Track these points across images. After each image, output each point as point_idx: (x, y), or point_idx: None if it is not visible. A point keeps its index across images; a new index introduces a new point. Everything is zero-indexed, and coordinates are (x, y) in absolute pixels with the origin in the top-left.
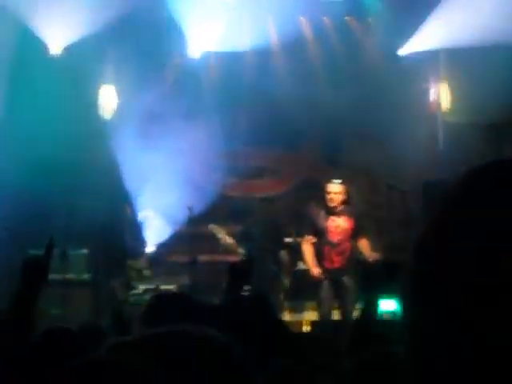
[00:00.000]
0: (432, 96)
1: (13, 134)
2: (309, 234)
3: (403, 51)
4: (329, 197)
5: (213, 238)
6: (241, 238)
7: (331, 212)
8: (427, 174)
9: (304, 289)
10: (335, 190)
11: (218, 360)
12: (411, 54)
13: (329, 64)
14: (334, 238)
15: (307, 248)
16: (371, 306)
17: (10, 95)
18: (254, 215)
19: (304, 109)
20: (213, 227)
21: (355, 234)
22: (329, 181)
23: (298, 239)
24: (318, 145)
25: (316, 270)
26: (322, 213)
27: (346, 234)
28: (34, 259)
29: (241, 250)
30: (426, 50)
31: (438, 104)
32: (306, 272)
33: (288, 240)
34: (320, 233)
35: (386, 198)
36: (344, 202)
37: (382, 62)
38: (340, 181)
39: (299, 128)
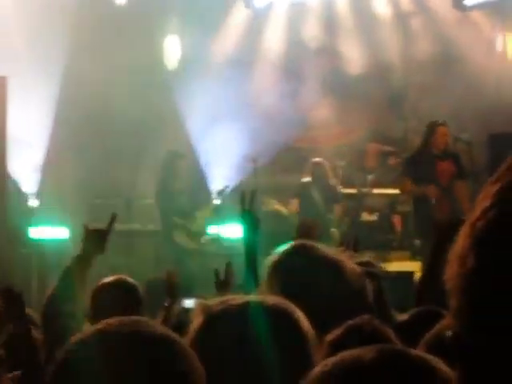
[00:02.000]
0: (498, 47)
1: (77, 83)
2: None
3: (470, 1)
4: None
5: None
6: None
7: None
8: (494, 125)
9: None
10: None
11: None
12: (478, 3)
13: (396, 17)
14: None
15: None
16: None
17: (76, 45)
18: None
19: (370, 60)
20: (266, 201)
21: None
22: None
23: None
24: (384, 97)
25: None
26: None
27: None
28: (96, 232)
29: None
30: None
31: (505, 54)
32: None
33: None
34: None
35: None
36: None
37: (449, 13)
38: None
39: (365, 79)
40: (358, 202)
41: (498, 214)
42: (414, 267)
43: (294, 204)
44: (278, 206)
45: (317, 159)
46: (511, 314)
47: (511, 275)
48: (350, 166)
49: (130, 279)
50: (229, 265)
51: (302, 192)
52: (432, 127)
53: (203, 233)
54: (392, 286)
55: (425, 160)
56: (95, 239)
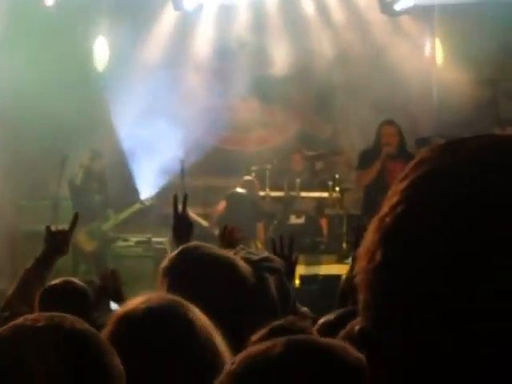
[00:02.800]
0: (427, 52)
1: (6, 84)
2: None
3: (399, 6)
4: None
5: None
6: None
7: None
8: (420, 129)
9: None
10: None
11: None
12: (407, 8)
13: (324, 19)
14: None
15: None
16: None
17: (6, 47)
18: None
19: (297, 64)
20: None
21: None
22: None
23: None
24: (310, 99)
25: None
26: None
27: None
28: (58, 233)
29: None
30: (421, 4)
31: (433, 60)
32: None
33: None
34: None
35: None
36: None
37: (378, 18)
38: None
39: (292, 80)
40: (285, 205)
41: (404, 209)
42: (342, 270)
43: (221, 204)
44: (194, 216)
45: (247, 177)
46: (414, 309)
47: (416, 271)
48: (277, 169)
49: (78, 282)
50: (113, 272)
51: (232, 197)
52: (378, 127)
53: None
54: (320, 289)
55: (375, 159)
56: (57, 240)
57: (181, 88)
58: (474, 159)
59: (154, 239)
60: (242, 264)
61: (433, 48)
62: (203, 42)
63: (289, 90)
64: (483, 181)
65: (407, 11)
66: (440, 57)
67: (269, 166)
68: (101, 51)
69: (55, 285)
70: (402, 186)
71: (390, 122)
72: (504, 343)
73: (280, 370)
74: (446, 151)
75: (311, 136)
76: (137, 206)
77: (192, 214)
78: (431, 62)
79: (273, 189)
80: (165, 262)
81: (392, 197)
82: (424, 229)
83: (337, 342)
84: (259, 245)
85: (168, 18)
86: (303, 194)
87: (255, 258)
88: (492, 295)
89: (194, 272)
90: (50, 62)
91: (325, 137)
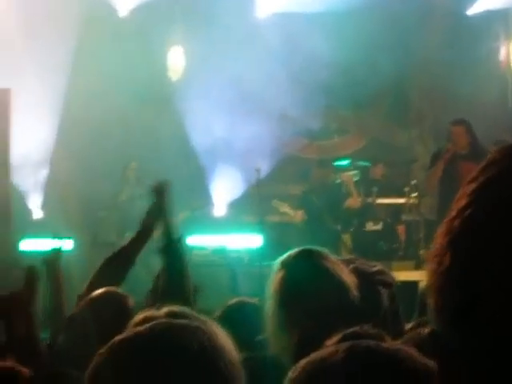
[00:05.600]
0: (502, 55)
1: (81, 96)
2: None
3: (472, 10)
4: None
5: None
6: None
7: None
8: (498, 133)
9: None
10: None
11: None
12: (481, 12)
13: (398, 26)
14: None
15: None
16: None
17: (79, 56)
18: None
19: (372, 69)
20: (276, 203)
21: None
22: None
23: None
24: (386, 104)
25: None
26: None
27: None
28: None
29: (303, 217)
30: (496, 8)
31: (509, 63)
32: None
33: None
34: None
35: None
36: None
37: (451, 22)
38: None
39: (367, 88)
40: (362, 212)
41: (472, 212)
42: (419, 277)
43: (299, 213)
44: (288, 210)
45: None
46: (486, 312)
47: (486, 274)
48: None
49: (119, 291)
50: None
51: (305, 202)
52: (449, 128)
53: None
54: (397, 295)
55: (449, 159)
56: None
57: (257, 96)
58: None
59: (231, 247)
60: (352, 280)
61: (508, 52)
62: (280, 50)
63: (365, 97)
64: None
65: (482, 15)
66: None
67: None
68: (176, 60)
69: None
70: (470, 188)
71: (458, 122)
72: None
73: (340, 375)
74: (510, 155)
75: (387, 143)
76: (185, 214)
77: (287, 208)
78: (507, 66)
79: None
80: (282, 259)
81: (460, 199)
82: (493, 231)
83: (402, 346)
84: (348, 242)
85: (243, 25)
86: (380, 200)
87: (371, 270)
88: None
89: (306, 278)
90: (123, 71)
91: (401, 144)
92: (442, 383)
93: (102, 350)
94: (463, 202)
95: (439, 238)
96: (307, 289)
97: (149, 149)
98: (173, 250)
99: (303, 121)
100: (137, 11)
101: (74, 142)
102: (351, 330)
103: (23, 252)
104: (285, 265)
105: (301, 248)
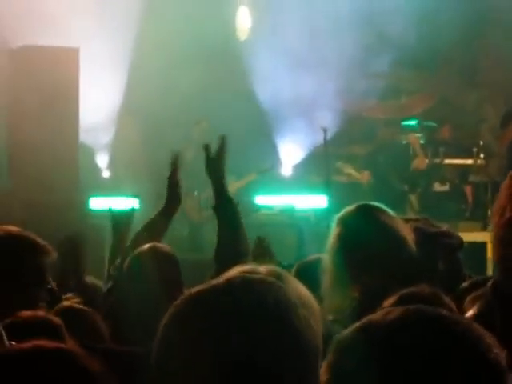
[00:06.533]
0: None
1: (148, 55)
2: None
3: None
4: None
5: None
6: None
7: None
8: None
9: None
10: None
11: None
12: None
13: None
14: None
15: None
16: None
17: (147, 16)
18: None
19: (441, 29)
20: (340, 164)
21: None
22: None
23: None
24: (455, 65)
25: None
26: None
27: None
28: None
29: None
30: None
31: None
32: None
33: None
34: None
35: None
36: None
37: None
38: None
39: (437, 49)
40: (430, 173)
41: None
42: (486, 238)
43: (366, 174)
44: (352, 172)
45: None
46: None
47: None
48: (423, 138)
49: (163, 246)
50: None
51: (372, 162)
52: None
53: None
54: (464, 256)
55: None
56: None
57: (325, 54)
58: None
59: (298, 207)
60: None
61: None
62: (353, 8)
63: (433, 58)
64: None
65: None
66: None
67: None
68: (243, 18)
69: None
70: None
71: None
72: None
73: (391, 337)
74: None
75: (455, 104)
76: (252, 176)
77: (351, 170)
78: None
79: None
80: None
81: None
82: None
83: (462, 317)
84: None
85: None
86: (447, 161)
87: (432, 230)
88: None
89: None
90: (191, 29)
91: (469, 104)
92: (502, 326)
93: (177, 302)
94: None
95: (502, 192)
96: (364, 243)
97: (216, 106)
98: (226, 207)
99: (371, 80)
100: None
101: (142, 101)
102: (408, 290)
103: (92, 210)
104: (342, 220)
105: (358, 203)
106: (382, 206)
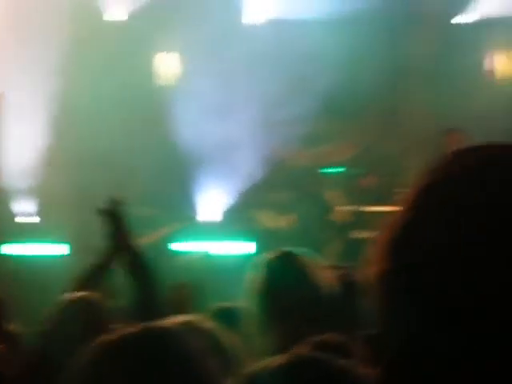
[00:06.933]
0: (489, 64)
1: (71, 97)
2: None
3: (459, 19)
4: None
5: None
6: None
7: None
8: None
9: None
10: None
11: None
12: (466, 23)
13: (385, 34)
14: None
15: None
16: None
17: (70, 62)
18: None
19: (366, 77)
20: (261, 211)
21: None
22: None
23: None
24: (377, 114)
25: None
26: None
27: None
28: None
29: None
30: (480, 19)
31: (494, 73)
32: None
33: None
34: None
35: None
36: None
37: (439, 32)
38: None
39: (361, 97)
40: (353, 220)
41: (411, 217)
42: None
43: (290, 218)
44: (272, 219)
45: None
46: (422, 316)
47: (423, 278)
48: (344, 185)
49: (95, 295)
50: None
51: (296, 209)
52: (442, 135)
53: None
54: None
55: None
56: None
57: (247, 103)
58: (468, 174)
59: (220, 253)
60: (325, 277)
61: (497, 61)
62: (273, 54)
63: (360, 105)
64: (471, 197)
65: (467, 25)
66: (500, 70)
67: (338, 181)
68: (166, 66)
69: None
70: (412, 192)
71: (452, 130)
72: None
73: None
74: (455, 160)
75: (379, 152)
76: (176, 226)
77: (270, 217)
78: (494, 76)
79: (340, 204)
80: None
81: (402, 204)
82: (431, 236)
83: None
84: (334, 250)
85: (237, 30)
86: (371, 209)
87: (354, 277)
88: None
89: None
90: (118, 77)
91: (392, 153)
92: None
93: (87, 349)
94: (402, 208)
95: (381, 239)
96: (285, 289)
97: (137, 156)
98: (139, 267)
99: (294, 128)
100: (128, 17)
101: (69, 147)
102: (320, 338)
103: (4, 255)
104: (263, 266)
105: (280, 250)
106: (303, 252)
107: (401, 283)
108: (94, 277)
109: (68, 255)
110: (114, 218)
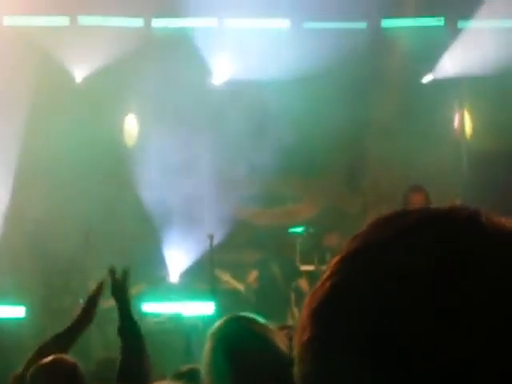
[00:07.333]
0: (456, 122)
1: (35, 162)
2: None
3: (427, 78)
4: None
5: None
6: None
7: None
8: (451, 200)
9: None
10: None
11: None
12: (435, 81)
13: (352, 92)
14: None
15: None
16: None
17: (34, 124)
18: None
19: (326, 135)
20: (219, 272)
21: None
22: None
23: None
24: (340, 172)
25: None
26: None
27: None
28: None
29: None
30: (449, 77)
31: (462, 131)
32: None
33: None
34: None
35: None
36: None
37: (406, 91)
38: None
39: (322, 155)
40: (316, 279)
41: (333, 284)
42: None
43: (253, 275)
44: (231, 280)
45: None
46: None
47: (343, 349)
48: (307, 243)
49: (68, 358)
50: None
51: (262, 265)
52: (405, 193)
53: None
54: None
55: None
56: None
57: (210, 162)
58: (398, 240)
59: (186, 314)
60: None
61: (462, 119)
62: (233, 116)
63: (321, 163)
64: (400, 263)
65: (435, 83)
66: (469, 128)
67: (299, 240)
68: (130, 127)
69: (46, 363)
70: (334, 260)
71: (417, 188)
72: None
73: None
74: (378, 226)
75: (341, 210)
76: (142, 286)
77: (229, 278)
78: (460, 134)
79: (303, 262)
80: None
81: (325, 271)
82: (351, 304)
83: None
84: (296, 311)
85: (197, 93)
86: None
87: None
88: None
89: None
90: (79, 138)
91: (355, 211)
92: None
93: None
94: (326, 274)
95: (304, 309)
96: (238, 354)
97: (104, 214)
98: (131, 330)
99: (256, 187)
100: (91, 79)
101: (27, 206)
102: None
103: None
104: (215, 333)
105: (230, 316)
106: (255, 316)
107: (322, 350)
108: (62, 340)
109: (24, 318)
110: (119, 288)
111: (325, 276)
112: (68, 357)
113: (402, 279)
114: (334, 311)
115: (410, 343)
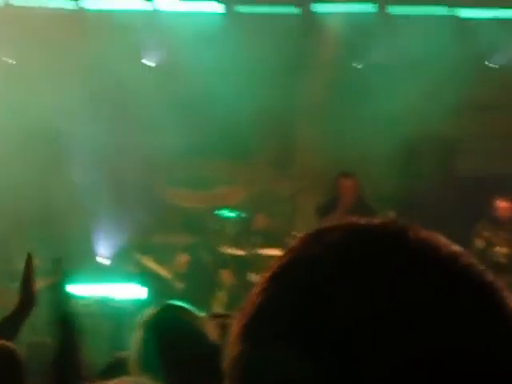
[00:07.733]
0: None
1: None
2: None
3: (358, 64)
4: None
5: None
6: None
7: None
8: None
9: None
10: None
11: None
12: (366, 66)
13: (283, 75)
14: None
15: None
16: None
17: None
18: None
19: (257, 119)
20: (140, 257)
21: None
22: None
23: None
24: (270, 154)
25: None
26: None
27: None
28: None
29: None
30: (380, 63)
31: (392, 116)
32: None
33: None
34: None
35: None
36: None
37: (337, 74)
38: None
39: (252, 138)
40: (246, 264)
41: (262, 301)
42: None
43: (183, 259)
44: (154, 266)
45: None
46: None
47: (264, 370)
48: (237, 227)
49: (7, 343)
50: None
51: (191, 249)
52: (335, 179)
53: None
54: None
55: (332, 212)
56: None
57: (138, 145)
58: (325, 256)
59: (115, 297)
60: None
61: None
62: (161, 99)
63: (251, 147)
64: (327, 279)
65: (367, 68)
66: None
67: (230, 225)
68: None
69: None
70: (264, 277)
71: (347, 174)
72: None
73: None
74: (306, 243)
75: (270, 193)
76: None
77: (154, 265)
78: (391, 119)
79: (232, 246)
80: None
81: (255, 287)
82: (279, 320)
83: None
84: (224, 292)
85: (126, 76)
86: (262, 251)
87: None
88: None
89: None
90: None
91: (284, 194)
92: None
93: None
94: (255, 290)
95: (234, 325)
96: (170, 342)
97: (31, 200)
98: (66, 323)
99: (185, 170)
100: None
101: None
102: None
103: None
104: (147, 322)
105: (161, 305)
106: (187, 305)
107: (250, 366)
108: (7, 328)
109: None
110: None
111: (255, 292)
112: (8, 343)
113: (329, 296)
114: (264, 327)
115: (337, 361)
